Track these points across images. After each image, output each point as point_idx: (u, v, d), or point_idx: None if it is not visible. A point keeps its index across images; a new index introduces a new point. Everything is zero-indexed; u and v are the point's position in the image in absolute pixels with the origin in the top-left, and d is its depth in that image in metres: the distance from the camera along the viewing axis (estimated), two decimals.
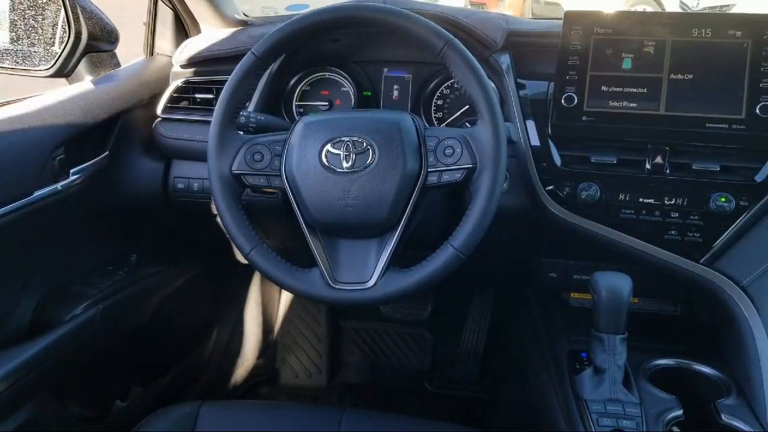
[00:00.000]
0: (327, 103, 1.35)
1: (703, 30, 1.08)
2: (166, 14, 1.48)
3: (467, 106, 1.27)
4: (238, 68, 1.04)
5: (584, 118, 1.12)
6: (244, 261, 1.05)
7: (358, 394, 2.02)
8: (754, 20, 1.06)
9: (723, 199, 1.07)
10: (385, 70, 1.32)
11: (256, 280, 1.99)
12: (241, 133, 1.09)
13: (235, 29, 1.44)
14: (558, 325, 1.27)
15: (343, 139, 0.99)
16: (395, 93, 1.31)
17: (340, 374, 2.07)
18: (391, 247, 0.99)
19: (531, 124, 1.16)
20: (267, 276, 1.02)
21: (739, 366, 1.07)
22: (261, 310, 2.02)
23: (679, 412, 0.99)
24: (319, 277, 1.00)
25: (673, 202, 1.09)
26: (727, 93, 1.07)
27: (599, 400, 0.99)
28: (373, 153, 0.98)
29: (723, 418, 0.98)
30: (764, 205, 1.06)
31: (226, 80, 1.04)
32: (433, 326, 2.06)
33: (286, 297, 2.13)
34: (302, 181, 1.00)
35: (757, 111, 1.04)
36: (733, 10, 5.70)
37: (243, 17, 1.52)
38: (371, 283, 0.98)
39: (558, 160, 1.14)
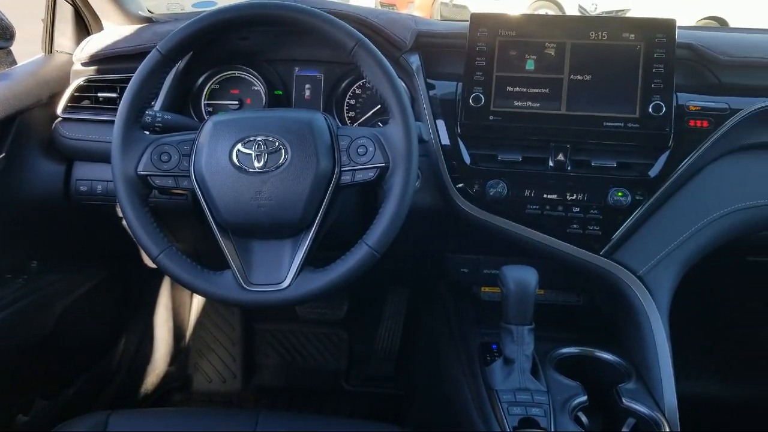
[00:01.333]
0: (237, 103, 1.33)
1: (600, 33, 1.13)
2: (65, 10, 1.42)
3: (379, 106, 1.28)
4: (143, 66, 1.01)
5: (491, 117, 1.15)
6: (152, 265, 1.02)
7: (274, 397, 2.00)
8: (647, 24, 1.13)
9: (620, 194, 1.13)
10: (297, 69, 1.31)
11: (166, 285, 1.93)
12: (147, 132, 1.05)
13: (139, 26, 1.39)
14: (469, 319, 1.31)
15: (255, 138, 0.98)
16: (307, 92, 1.31)
17: (256, 378, 2.04)
18: (305, 248, 0.99)
19: (441, 124, 1.18)
20: (177, 280, 0.99)
21: (637, 352, 1.14)
22: (171, 316, 1.96)
23: (584, 398, 1.04)
24: (232, 279, 0.98)
25: (574, 197, 1.15)
26: (623, 93, 1.13)
27: (509, 390, 1.02)
28: (286, 152, 0.97)
29: (624, 401, 1.04)
30: (658, 198, 1.13)
31: (131, 78, 1.01)
32: (349, 325, 2.06)
33: (198, 301, 2.08)
34: (212, 182, 0.98)
35: (650, 110, 1.11)
36: (629, 15, 6.01)
37: (148, 14, 1.47)
38: (286, 284, 0.97)
39: (467, 159, 1.17)
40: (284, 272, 0.98)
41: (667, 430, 0.98)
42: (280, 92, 1.31)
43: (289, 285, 0.97)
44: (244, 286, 0.98)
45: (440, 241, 1.41)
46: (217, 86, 1.33)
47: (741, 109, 1.15)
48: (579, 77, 1.14)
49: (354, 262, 0.96)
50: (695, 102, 1.15)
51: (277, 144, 0.97)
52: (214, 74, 1.32)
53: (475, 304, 1.38)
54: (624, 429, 1.02)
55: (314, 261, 1.00)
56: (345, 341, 2.06)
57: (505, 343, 1.05)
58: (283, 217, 0.97)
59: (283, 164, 0.97)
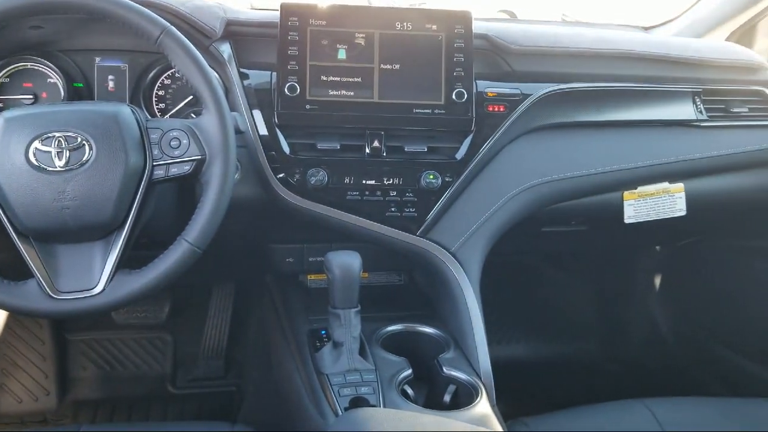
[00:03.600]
0: (31, 97, 1.21)
1: (405, 24, 1.19)
2: None
3: (191, 97, 1.24)
4: None
5: (308, 106, 1.16)
6: None
7: (95, 411, 1.87)
8: (446, 16, 1.20)
9: (431, 177, 1.19)
10: (98, 59, 1.22)
11: None
12: None
13: None
14: (298, 308, 1.31)
15: (54, 134, 0.90)
16: (110, 84, 1.23)
17: (73, 392, 1.89)
18: (118, 249, 0.93)
19: (258, 114, 1.17)
20: None
21: (454, 323, 1.22)
22: None
23: (409, 372, 1.09)
24: (36, 288, 0.90)
25: (391, 182, 1.19)
26: (429, 81, 1.19)
27: (339, 373, 1.05)
28: (90, 149, 0.91)
29: (444, 370, 1.11)
30: (465, 179, 1.22)
31: None
32: (172, 327, 1.98)
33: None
34: (7, 184, 0.89)
35: (454, 97, 1.18)
36: (425, 7, 6.29)
37: None
38: (99, 288, 0.92)
39: (287, 148, 1.17)
40: (96, 277, 0.92)
41: (484, 391, 1.06)
42: (81, 84, 1.21)
43: (103, 290, 0.92)
44: (51, 294, 0.90)
45: (264, 232, 1.40)
46: (7, 80, 1.20)
47: (531, 94, 1.26)
48: (388, 66, 1.18)
49: (173, 260, 0.93)
50: (492, 88, 1.25)
51: (79, 140, 0.91)
52: (3, 66, 1.19)
53: (302, 293, 1.40)
54: (446, 396, 1.09)
55: (130, 262, 0.95)
56: (169, 344, 1.98)
57: (333, 327, 1.07)
58: (91, 219, 0.91)
59: (87, 161, 0.90)
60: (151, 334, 1.97)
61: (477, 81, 1.23)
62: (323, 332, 1.19)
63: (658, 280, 1.99)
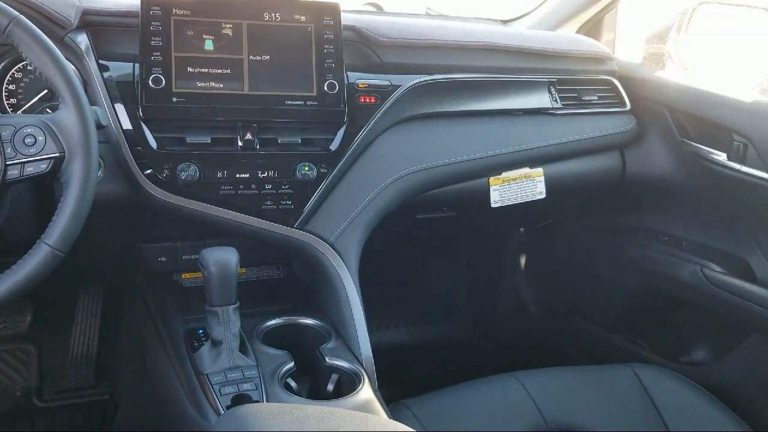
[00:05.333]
0: None
1: (274, 15, 1.17)
2: None
3: (46, 91, 1.16)
4: None
5: (174, 99, 1.12)
6: None
7: None
8: (315, 7, 1.20)
9: (306, 168, 1.19)
10: None
11: None
12: None
13: None
14: (173, 308, 1.27)
15: None
16: None
17: None
18: None
19: (120, 108, 1.12)
20: None
21: (335, 313, 1.23)
22: None
23: (291, 364, 1.09)
24: None
25: (265, 174, 1.18)
26: (301, 72, 1.19)
27: (219, 371, 1.02)
28: None
29: (327, 360, 1.12)
30: (340, 170, 1.23)
31: None
32: (35, 337, 1.84)
33: None
34: None
35: (325, 88, 1.19)
36: None
37: None
38: None
39: (153, 143, 1.12)
40: None
41: (366, 378, 1.09)
42: None
43: None
44: None
45: (133, 231, 1.34)
46: None
47: (401, 85, 1.30)
48: (258, 58, 1.16)
49: (33, 265, 0.87)
50: (363, 80, 1.26)
51: None
52: None
53: (177, 292, 1.35)
54: (329, 385, 1.10)
55: None
56: (33, 355, 1.84)
57: (212, 325, 1.05)
58: None
59: None
60: (12, 345, 1.82)
61: (348, 72, 1.24)
62: (200, 331, 1.16)
63: (523, 261, 2.11)
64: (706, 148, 1.49)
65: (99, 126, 0.96)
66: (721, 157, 1.45)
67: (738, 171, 1.41)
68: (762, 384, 1.42)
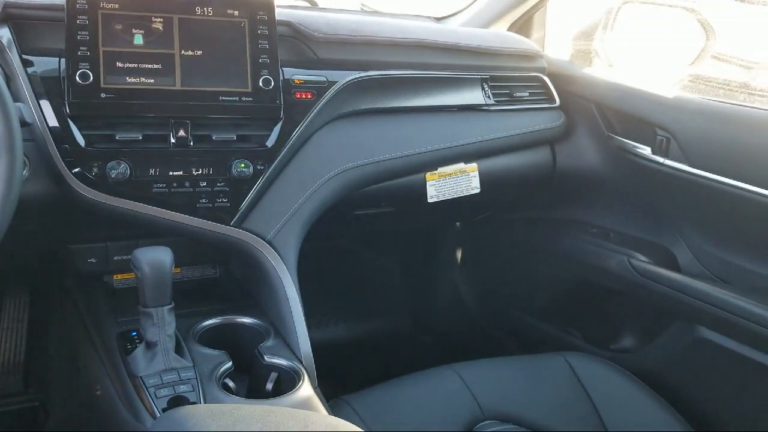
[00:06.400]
0: None
1: (206, 9, 1.15)
2: None
3: None
4: None
5: (103, 95, 1.09)
6: None
7: None
8: (249, 1, 1.18)
9: (243, 165, 1.18)
10: None
11: None
12: None
13: None
14: (104, 311, 1.24)
15: None
16: None
17: None
18: None
19: (46, 104, 1.08)
20: None
21: (274, 311, 1.22)
22: None
23: (229, 364, 1.07)
24: None
25: (200, 172, 1.16)
26: (235, 68, 1.17)
27: (154, 374, 1.00)
28: None
29: (266, 359, 1.11)
30: (276, 166, 1.22)
31: None
32: None
33: None
34: None
35: (260, 84, 1.18)
36: None
37: None
38: None
39: (81, 141, 1.09)
40: None
41: (306, 375, 1.08)
42: None
43: None
44: None
45: (60, 232, 1.30)
46: None
47: (337, 81, 1.30)
48: (190, 53, 1.14)
49: None
50: (299, 76, 1.26)
51: None
52: None
53: (108, 294, 1.31)
54: (268, 384, 1.09)
55: None
56: None
57: (146, 327, 1.02)
58: None
59: None
60: None
61: (283, 68, 1.23)
62: (134, 333, 1.13)
63: (459, 254, 2.15)
64: (631, 142, 1.55)
65: (23, 123, 0.93)
66: (646, 151, 1.51)
67: (661, 164, 1.48)
68: (685, 368, 1.49)
